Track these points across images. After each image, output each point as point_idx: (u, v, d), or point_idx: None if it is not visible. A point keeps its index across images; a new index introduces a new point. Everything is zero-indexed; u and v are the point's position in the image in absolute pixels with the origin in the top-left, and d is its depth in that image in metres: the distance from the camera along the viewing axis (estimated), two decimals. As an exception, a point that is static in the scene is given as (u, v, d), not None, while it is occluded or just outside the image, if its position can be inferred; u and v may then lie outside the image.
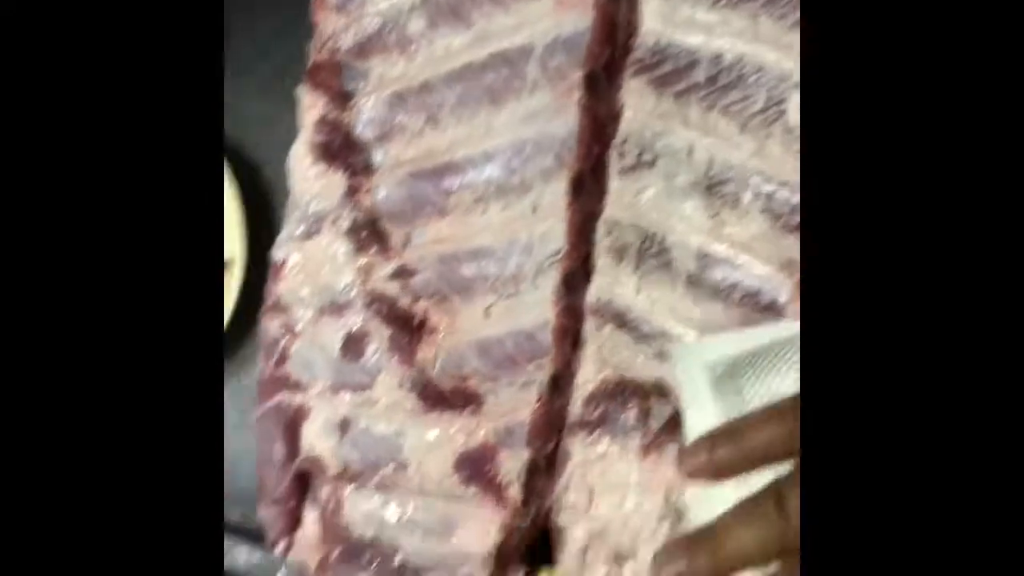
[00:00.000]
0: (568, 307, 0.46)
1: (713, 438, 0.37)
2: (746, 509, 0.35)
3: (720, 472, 0.37)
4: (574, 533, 0.45)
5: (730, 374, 0.39)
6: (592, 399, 0.45)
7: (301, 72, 0.56)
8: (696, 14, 0.44)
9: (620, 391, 0.44)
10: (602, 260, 0.45)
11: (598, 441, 0.45)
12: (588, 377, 0.45)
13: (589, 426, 0.45)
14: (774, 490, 0.34)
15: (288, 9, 0.63)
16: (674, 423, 0.43)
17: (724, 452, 0.36)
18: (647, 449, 0.43)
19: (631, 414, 0.43)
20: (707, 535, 0.35)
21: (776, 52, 0.42)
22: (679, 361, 0.41)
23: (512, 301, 0.48)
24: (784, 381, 0.38)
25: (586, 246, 0.46)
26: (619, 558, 0.43)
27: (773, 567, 0.34)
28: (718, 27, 0.43)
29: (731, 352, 0.40)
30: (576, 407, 0.45)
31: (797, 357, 0.38)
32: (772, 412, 0.36)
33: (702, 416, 0.39)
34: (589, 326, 0.45)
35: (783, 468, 0.35)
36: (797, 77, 0.41)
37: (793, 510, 0.33)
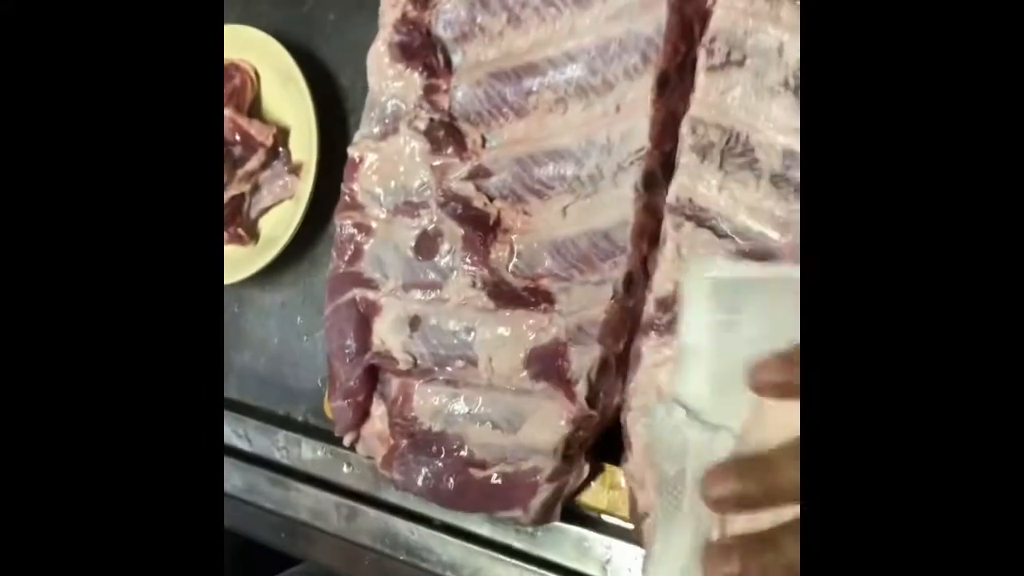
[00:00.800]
0: (647, 205, 0.46)
1: (741, 466, 0.36)
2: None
3: (744, 505, 0.36)
4: (641, 433, 0.45)
5: (732, 290, 0.39)
6: (665, 302, 0.45)
7: (377, -21, 0.56)
8: (795, -92, 0.43)
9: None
10: (685, 158, 0.45)
11: (668, 343, 0.45)
12: (664, 277, 0.45)
13: (660, 328, 0.45)
14: None
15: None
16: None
17: (751, 485, 0.36)
18: None
19: None
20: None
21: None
22: (688, 270, 0.41)
23: (589, 201, 0.48)
24: (783, 318, 0.37)
25: (669, 144, 0.46)
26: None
27: None
28: (818, -78, 0.42)
29: (740, 273, 0.40)
30: (650, 308, 0.45)
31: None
32: (796, 449, 0.35)
33: (695, 325, 0.40)
34: (668, 224, 0.45)
35: None
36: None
37: None
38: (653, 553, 0.40)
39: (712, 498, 0.36)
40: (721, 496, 0.36)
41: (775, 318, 0.38)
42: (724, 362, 0.39)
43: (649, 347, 0.45)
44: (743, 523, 0.37)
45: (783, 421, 0.36)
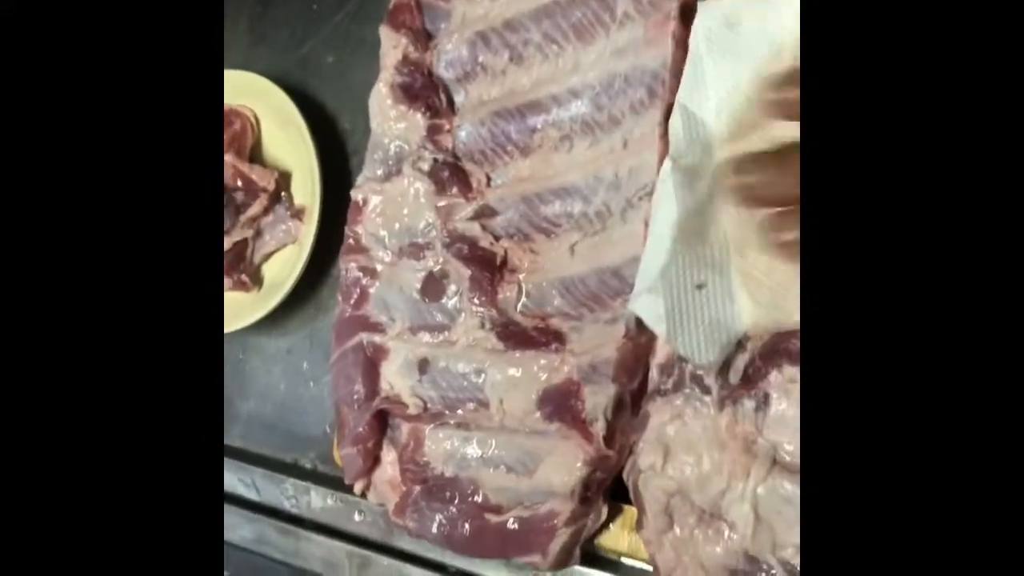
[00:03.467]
0: (658, 241, 0.46)
1: None
2: None
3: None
4: (654, 494, 0.44)
5: (728, 23, 0.43)
6: (666, 367, 0.44)
7: (375, 20, 0.56)
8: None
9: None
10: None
11: (672, 403, 0.44)
12: (664, 341, 0.44)
13: (664, 392, 0.44)
14: None
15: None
16: (752, 375, 0.42)
17: None
18: (723, 402, 0.42)
19: (709, 372, 0.43)
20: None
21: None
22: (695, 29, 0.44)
23: (598, 238, 0.48)
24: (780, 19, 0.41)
25: (678, 179, 0.46)
26: (704, 516, 0.42)
27: None
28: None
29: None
30: (653, 374, 0.45)
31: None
32: None
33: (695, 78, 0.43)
34: None
35: None
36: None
37: None
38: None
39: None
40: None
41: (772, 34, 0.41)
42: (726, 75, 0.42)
43: (655, 408, 0.44)
44: None
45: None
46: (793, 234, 0.40)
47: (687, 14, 0.45)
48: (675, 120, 0.43)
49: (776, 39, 0.41)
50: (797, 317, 0.40)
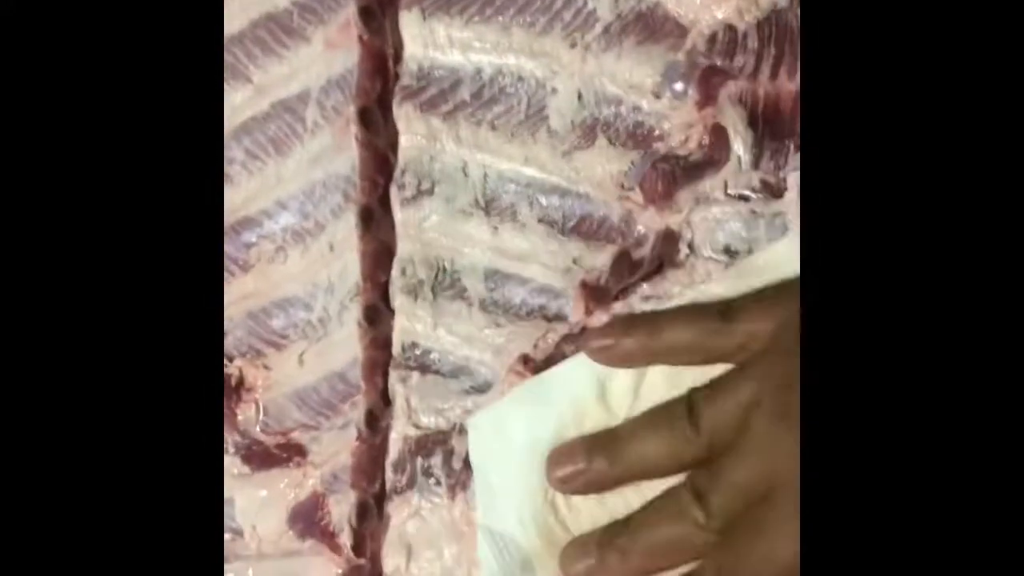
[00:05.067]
0: (374, 340, 0.46)
1: (587, 443, 0.36)
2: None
3: (591, 483, 0.36)
4: None
5: (498, 432, 0.40)
6: (398, 464, 0.44)
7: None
8: (452, 33, 0.44)
9: (422, 446, 0.43)
10: (399, 300, 0.45)
11: (409, 500, 0.44)
12: (398, 436, 0.44)
13: (400, 489, 0.44)
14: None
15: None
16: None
17: (599, 461, 0.35)
18: (453, 489, 0.42)
19: (435, 462, 0.43)
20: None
21: (531, 60, 0.43)
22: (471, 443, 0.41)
23: (322, 344, 0.47)
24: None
25: (385, 275, 0.46)
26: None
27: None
28: (474, 43, 0.44)
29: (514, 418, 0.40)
30: (388, 473, 0.45)
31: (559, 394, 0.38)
32: (649, 420, 0.35)
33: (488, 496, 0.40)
34: (394, 379, 0.45)
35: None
36: (553, 83, 0.43)
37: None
38: None
39: (559, 477, 0.36)
40: (567, 475, 0.36)
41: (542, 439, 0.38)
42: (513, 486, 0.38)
43: (394, 508, 0.44)
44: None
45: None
46: None
47: (367, 116, 0.46)
48: (481, 547, 0.40)
49: (547, 443, 0.38)
50: None
